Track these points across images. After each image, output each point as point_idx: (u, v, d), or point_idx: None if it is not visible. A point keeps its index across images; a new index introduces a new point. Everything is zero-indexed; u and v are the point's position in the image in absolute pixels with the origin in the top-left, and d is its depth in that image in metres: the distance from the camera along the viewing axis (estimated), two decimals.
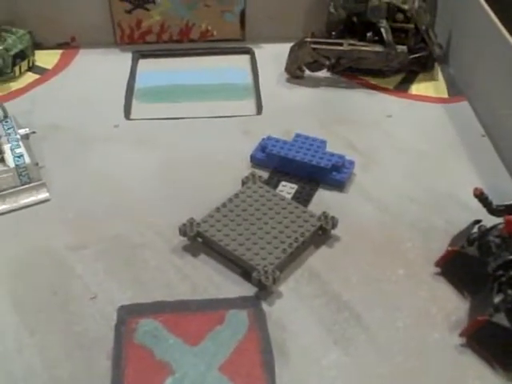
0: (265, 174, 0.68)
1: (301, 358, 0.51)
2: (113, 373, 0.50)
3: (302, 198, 0.66)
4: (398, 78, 0.86)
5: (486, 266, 0.53)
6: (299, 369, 0.50)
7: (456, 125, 0.78)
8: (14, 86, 0.83)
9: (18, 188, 0.66)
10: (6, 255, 0.60)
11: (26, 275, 0.58)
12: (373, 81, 0.86)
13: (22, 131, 0.69)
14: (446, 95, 0.84)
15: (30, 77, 0.85)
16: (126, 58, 0.89)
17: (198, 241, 0.60)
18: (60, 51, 0.90)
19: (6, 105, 0.73)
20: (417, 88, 0.85)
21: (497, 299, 0.51)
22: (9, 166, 0.66)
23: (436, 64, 0.88)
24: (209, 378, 0.49)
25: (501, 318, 0.50)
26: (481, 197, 0.56)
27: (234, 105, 0.81)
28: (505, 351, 0.50)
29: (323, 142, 0.71)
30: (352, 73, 0.86)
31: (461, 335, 0.52)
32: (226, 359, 0.51)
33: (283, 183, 0.68)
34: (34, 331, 0.53)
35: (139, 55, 0.90)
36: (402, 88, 0.85)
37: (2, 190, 0.65)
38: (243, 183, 0.65)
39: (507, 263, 0.53)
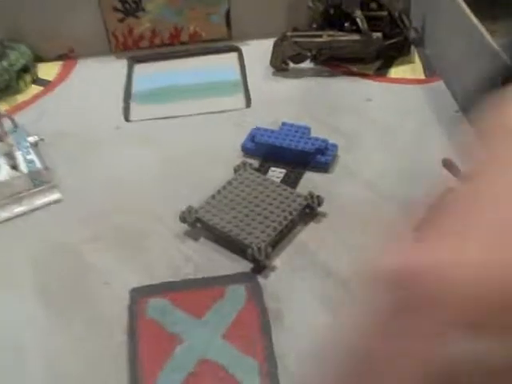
0: (255, 162, 0.74)
1: (294, 322, 0.57)
2: (129, 345, 0.56)
3: (291, 181, 0.72)
4: (377, 63, 0.92)
5: None
6: (293, 331, 0.57)
7: (432, 103, 0.84)
8: (20, 98, 0.89)
9: (32, 191, 0.72)
10: (27, 253, 0.66)
11: (48, 268, 0.64)
12: (353, 68, 0.91)
13: (31, 139, 0.76)
14: (422, 76, 0.90)
15: (35, 89, 0.91)
16: (122, 64, 0.95)
17: (198, 226, 0.66)
18: (60, 63, 0.96)
19: (15, 116, 0.79)
20: (395, 71, 0.91)
21: None
22: (22, 172, 0.72)
23: (412, 48, 0.94)
24: (213, 345, 0.56)
25: None
26: (450, 166, 0.62)
27: (224, 100, 0.87)
28: None
29: (307, 129, 0.77)
30: (333, 62, 0.92)
31: None
32: (227, 328, 0.57)
33: (272, 169, 0.74)
34: (58, 314, 0.59)
35: (134, 61, 0.96)
36: (381, 73, 0.91)
37: (18, 194, 0.71)
38: (235, 171, 0.72)
39: None
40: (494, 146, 0.32)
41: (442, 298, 0.26)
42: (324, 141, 0.75)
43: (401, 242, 0.29)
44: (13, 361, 0.56)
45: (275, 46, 0.90)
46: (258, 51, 0.94)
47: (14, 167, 0.73)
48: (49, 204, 0.72)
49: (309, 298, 0.59)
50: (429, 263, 0.26)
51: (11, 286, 0.63)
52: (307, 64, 0.92)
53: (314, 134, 0.76)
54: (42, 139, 0.76)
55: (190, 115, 0.84)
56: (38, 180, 0.72)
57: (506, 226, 0.26)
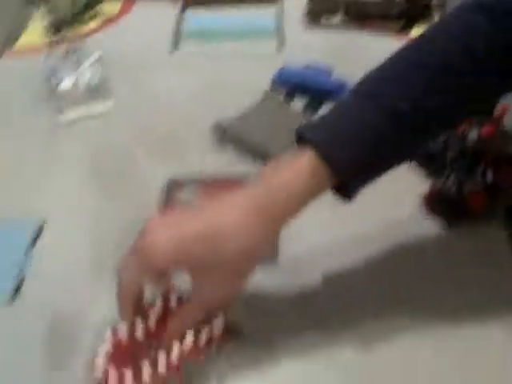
0: (281, 95, 0.86)
1: None
2: None
3: (310, 113, 0.84)
4: (401, 23, 1.02)
5: None
6: None
7: None
8: (86, 29, 1.03)
9: (89, 100, 0.85)
10: (85, 149, 0.79)
11: (101, 161, 0.78)
12: (378, 26, 1.02)
13: (93, 57, 0.88)
14: None
15: (99, 21, 1.05)
16: (176, 5, 1.08)
17: (226, 137, 0.79)
18: (121, 1, 1.10)
19: (80, 40, 0.93)
20: (417, 31, 1.02)
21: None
22: (83, 83, 0.85)
23: (434, 10, 1.04)
24: None
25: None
26: None
27: (261, 44, 0.99)
28: (450, 213, 0.67)
29: (330, 71, 0.88)
30: (361, 19, 1.03)
31: (422, 199, 0.69)
32: None
33: (295, 101, 0.86)
34: (109, 198, 0.72)
35: (187, 3, 1.09)
36: (404, 31, 1.02)
37: (78, 101, 0.85)
38: (263, 99, 0.84)
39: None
40: None
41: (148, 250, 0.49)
42: (343, 81, 0.86)
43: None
44: (67, 221, 0.70)
45: (310, 0, 1.02)
46: (295, 5, 1.06)
47: (77, 79, 0.86)
48: (104, 112, 0.85)
49: None
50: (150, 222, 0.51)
51: (70, 174, 0.76)
52: (337, 19, 1.03)
53: (335, 77, 0.88)
54: (101, 58, 0.88)
55: (230, 53, 0.96)
56: (96, 91, 0.85)
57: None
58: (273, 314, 0.59)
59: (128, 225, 0.67)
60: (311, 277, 0.61)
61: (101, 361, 0.52)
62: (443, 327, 0.56)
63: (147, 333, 0.53)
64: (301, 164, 0.50)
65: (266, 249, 0.53)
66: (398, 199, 0.69)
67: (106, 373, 0.51)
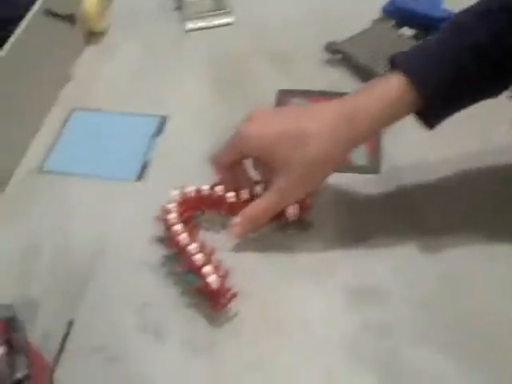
0: (392, 22, 0.90)
1: None
2: None
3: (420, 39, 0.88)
4: None
5: None
6: None
7: None
8: None
9: (213, 12, 0.92)
10: (204, 56, 0.87)
11: (220, 67, 0.85)
12: None
13: None
14: None
15: None
16: None
17: (338, 56, 0.84)
18: None
19: None
20: None
21: None
22: None
23: None
24: None
25: None
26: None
27: None
28: None
29: (439, 1, 0.91)
30: None
31: None
32: None
33: (405, 28, 0.90)
34: (225, 102, 0.80)
35: None
36: None
37: (202, 13, 0.92)
38: (373, 25, 0.88)
39: None
40: None
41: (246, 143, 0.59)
42: (451, 12, 0.89)
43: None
44: (187, 119, 0.78)
45: None
46: None
47: None
48: (224, 25, 0.92)
49: None
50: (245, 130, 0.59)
51: (192, 72, 0.84)
52: None
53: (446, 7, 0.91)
54: None
55: None
56: (219, 5, 0.92)
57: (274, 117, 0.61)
58: (372, 212, 0.65)
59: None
60: (412, 186, 0.67)
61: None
62: None
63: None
64: (390, 86, 0.56)
65: (344, 157, 0.60)
66: (492, 126, 0.72)
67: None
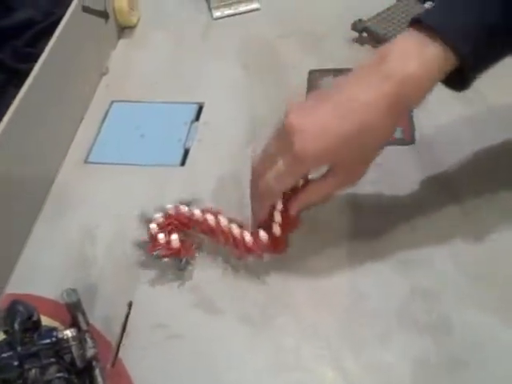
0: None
1: None
2: None
3: None
4: None
5: None
6: None
7: None
8: None
9: (238, 0, 0.94)
10: (235, 38, 0.89)
11: (249, 50, 0.87)
12: None
13: None
14: None
15: None
16: None
17: (364, 35, 0.85)
18: None
19: None
20: None
21: None
22: None
23: None
24: None
25: None
26: None
27: None
28: None
29: None
30: None
31: None
32: None
33: (429, 2, 0.91)
34: (258, 85, 0.82)
35: None
36: None
37: (228, 0, 0.94)
38: (398, 1, 0.89)
39: None
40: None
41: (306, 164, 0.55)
42: None
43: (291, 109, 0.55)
44: (222, 104, 0.80)
45: None
46: None
47: None
48: (250, 11, 0.94)
49: None
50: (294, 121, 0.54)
51: (223, 58, 0.87)
52: None
53: None
54: None
55: None
56: None
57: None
58: (407, 183, 0.67)
59: (275, 107, 0.77)
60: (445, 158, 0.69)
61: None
62: None
63: None
64: (428, 55, 0.52)
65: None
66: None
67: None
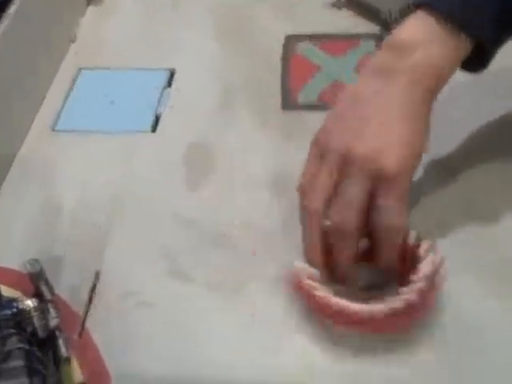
0: None
1: None
2: (282, 67, 0.76)
3: None
4: None
5: None
6: None
7: None
8: None
9: None
10: (208, 9, 0.86)
11: (224, 16, 0.84)
12: None
13: None
14: None
15: None
16: None
17: None
18: None
19: None
20: None
21: None
22: None
23: None
24: (344, 73, 0.74)
25: None
26: None
27: None
28: None
29: None
30: None
31: None
32: (358, 64, 0.74)
33: None
34: (232, 50, 0.79)
35: None
36: None
37: None
38: None
39: None
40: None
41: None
42: None
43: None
44: (195, 70, 0.77)
45: None
46: None
47: None
48: None
49: None
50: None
51: (196, 29, 0.83)
52: None
53: None
54: None
55: None
56: None
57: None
58: None
59: (248, 74, 0.75)
60: None
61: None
62: None
63: None
64: (449, 45, 0.49)
65: None
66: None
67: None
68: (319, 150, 0.52)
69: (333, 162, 0.50)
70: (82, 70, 0.79)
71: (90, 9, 0.89)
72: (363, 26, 0.80)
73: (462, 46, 0.49)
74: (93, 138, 0.70)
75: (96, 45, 0.83)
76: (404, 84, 0.50)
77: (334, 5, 0.84)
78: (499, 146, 0.64)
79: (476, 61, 0.52)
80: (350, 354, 0.50)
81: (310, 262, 0.52)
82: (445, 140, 0.63)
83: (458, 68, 0.52)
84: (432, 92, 0.50)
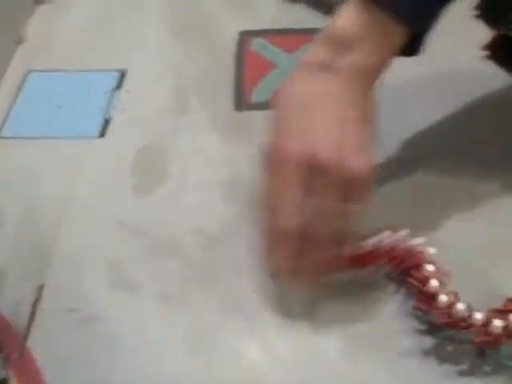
0: None
1: None
2: (235, 64, 0.74)
3: None
4: None
5: None
6: None
7: None
8: None
9: None
10: (159, 5, 0.83)
11: (176, 19, 0.81)
12: None
13: None
14: None
15: None
16: None
17: None
18: None
19: None
20: None
21: None
22: None
23: None
24: None
25: None
26: None
27: None
28: None
29: None
30: None
31: (485, 48, 0.70)
32: None
33: None
34: (185, 49, 0.77)
35: None
36: None
37: None
38: None
39: None
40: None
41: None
42: None
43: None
44: (147, 70, 0.75)
45: None
46: None
47: None
48: None
49: None
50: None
51: (147, 21, 0.81)
52: None
53: None
54: None
55: None
56: None
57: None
58: None
59: (202, 73, 0.73)
60: None
61: None
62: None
63: None
64: (381, 33, 0.48)
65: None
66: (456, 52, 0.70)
67: None
68: (275, 162, 0.49)
69: (296, 174, 0.47)
70: (30, 73, 0.76)
71: (39, 8, 0.86)
72: (318, 20, 0.78)
73: (396, 33, 0.48)
74: (40, 145, 0.68)
75: (45, 45, 0.80)
76: (345, 83, 0.48)
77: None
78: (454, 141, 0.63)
79: (410, 46, 0.50)
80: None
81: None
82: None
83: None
84: (371, 87, 0.49)
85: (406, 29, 0.48)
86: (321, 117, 0.48)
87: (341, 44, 0.48)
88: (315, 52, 0.50)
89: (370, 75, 0.49)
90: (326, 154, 0.46)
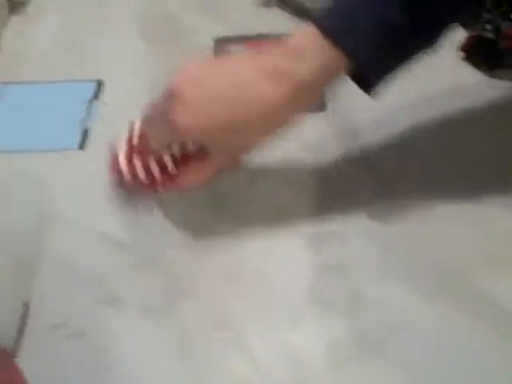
0: None
1: None
2: None
3: None
4: None
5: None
6: None
7: None
8: None
9: None
10: (133, 15, 0.83)
11: (150, 27, 0.82)
12: None
13: None
14: None
15: None
16: None
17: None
18: None
19: None
20: None
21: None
22: None
23: None
24: None
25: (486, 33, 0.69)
26: None
27: None
28: (489, 58, 0.70)
29: None
30: None
31: (460, 49, 0.72)
32: None
33: None
34: (160, 57, 0.77)
35: None
36: None
37: None
38: None
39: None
40: None
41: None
42: None
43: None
44: (123, 80, 0.75)
45: None
46: None
47: None
48: None
49: None
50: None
51: (122, 31, 0.81)
52: None
53: None
54: None
55: None
56: None
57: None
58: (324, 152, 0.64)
59: None
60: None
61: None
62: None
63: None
64: (324, 59, 0.49)
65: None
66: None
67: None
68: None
69: None
70: (6, 85, 0.76)
71: (13, 18, 0.85)
72: (295, 25, 0.78)
73: (342, 65, 0.50)
74: (17, 159, 0.67)
75: (20, 57, 0.80)
76: (288, 94, 0.50)
77: (264, 4, 0.82)
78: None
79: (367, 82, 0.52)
80: None
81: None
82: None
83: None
84: (296, 98, 0.51)
85: (345, 57, 0.49)
86: (223, 84, 0.52)
87: (295, 54, 0.50)
88: (274, 55, 0.51)
89: (314, 88, 0.51)
90: (174, 94, 0.52)
